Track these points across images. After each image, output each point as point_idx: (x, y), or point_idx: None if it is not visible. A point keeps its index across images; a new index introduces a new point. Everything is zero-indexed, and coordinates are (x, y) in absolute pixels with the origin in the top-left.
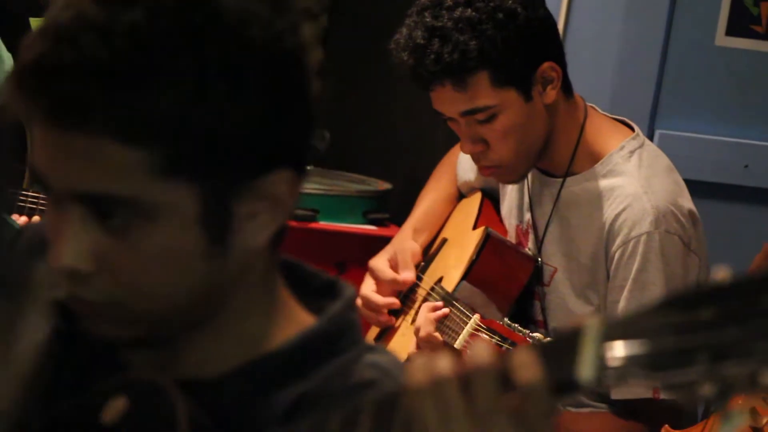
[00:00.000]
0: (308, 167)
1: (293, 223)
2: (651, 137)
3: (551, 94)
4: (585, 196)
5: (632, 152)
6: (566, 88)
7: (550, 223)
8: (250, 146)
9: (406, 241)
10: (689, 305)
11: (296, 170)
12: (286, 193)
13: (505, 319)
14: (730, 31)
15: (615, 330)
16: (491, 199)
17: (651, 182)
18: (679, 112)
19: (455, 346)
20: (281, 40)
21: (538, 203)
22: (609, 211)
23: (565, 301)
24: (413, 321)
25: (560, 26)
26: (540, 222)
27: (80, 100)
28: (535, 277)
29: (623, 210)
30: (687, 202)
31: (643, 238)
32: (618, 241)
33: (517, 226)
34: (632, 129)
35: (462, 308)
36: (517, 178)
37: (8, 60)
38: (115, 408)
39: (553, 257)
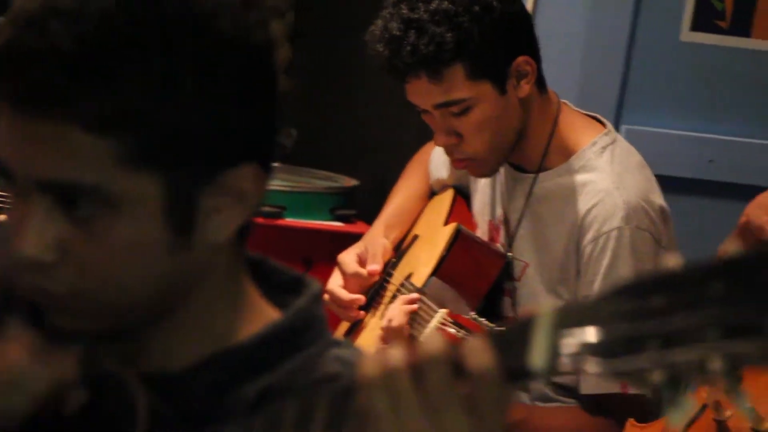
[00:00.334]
0: (275, 164)
1: (260, 220)
2: (617, 133)
3: (525, 88)
4: (557, 192)
5: (604, 148)
6: (540, 83)
7: (522, 218)
8: (216, 139)
9: (378, 237)
10: (641, 293)
11: (262, 166)
12: (251, 189)
13: (472, 314)
14: (695, 27)
15: (568, 317)
16: (463, 196)
17: (623, 178)
18: (644, 107)
19: (421, 339)
20: (251, 34)
21: (510, 198)
22: (581, 207)
23: (536, 296)
24: (383, 316)
25: None
26: (512, 217)
27: (48, 87)
28: (506, 273)
29: (595, 205)
30: (658, 199)
31: (614, 233)
32: (589, 236)
33: (489, 221)
34: (604, 125)
35: (430, 303)
36: (490, 172)
37: None
38: (76, 400)
39: (524, 252)
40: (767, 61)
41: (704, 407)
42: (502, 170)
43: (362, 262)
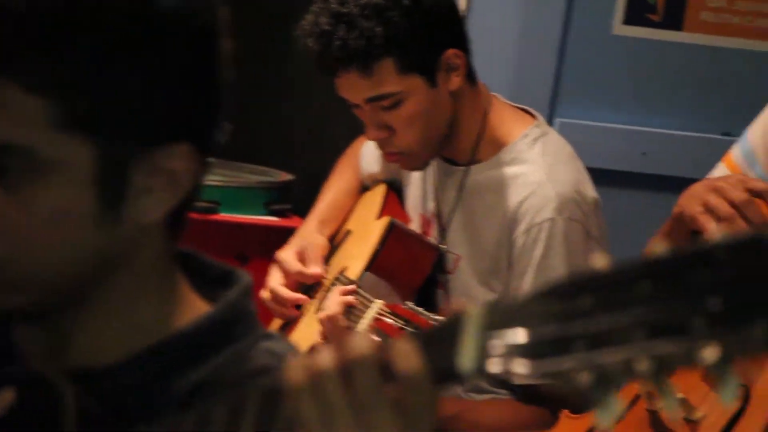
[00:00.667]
0: (213, 154)
1: (194, 216)
2: (550, 125)
3: (456, 81)
4: (489, 184)
5: (536, 140)
6: (470, 76)
7: (454, 211)
8: (151, 114)
9: (314, 234)
10: (569, 293)
11: (199, 151)
12: (183, 170)
13: (408, 303)
14: (628, 20)
15: (496, 318)
16: (395, 191)
17: (554, 170)
18: (578, 100)
19: (357, 331)
20: (197, 16)
21: (442, 191)
22: (513, 198)
23: (469, 289)
24: (317, 311)
25: None
26: (444, 210)
27: None
28: (439, 265)
29: (527, 197)
30: (590, 190)
31: (546, 224)
32: (521, 227)
33: (422, 215)
34: (535, 117)
35: (366, 294)
36: (422, 165)
37: None
38: (3, 401)
39: (457, 245)
40: (699, 55)
41: (637, 397)
42: (433, 164)
43: (302, 261)
